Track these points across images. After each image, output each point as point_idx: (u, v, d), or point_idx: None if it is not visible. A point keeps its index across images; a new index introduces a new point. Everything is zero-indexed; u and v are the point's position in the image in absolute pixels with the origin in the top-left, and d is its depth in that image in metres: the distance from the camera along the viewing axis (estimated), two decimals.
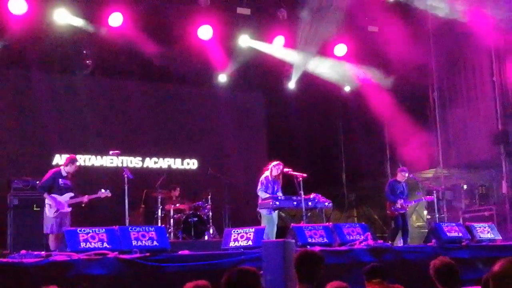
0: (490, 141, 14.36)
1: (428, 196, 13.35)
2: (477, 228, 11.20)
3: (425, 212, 14.99)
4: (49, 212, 10.68)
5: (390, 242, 12.26)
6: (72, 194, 10.88)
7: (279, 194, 11.88)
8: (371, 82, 15.76)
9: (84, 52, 14.12)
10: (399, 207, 12.74)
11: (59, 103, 14.28)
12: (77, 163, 11.21)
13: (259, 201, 11.84)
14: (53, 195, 10.72)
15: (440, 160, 15.19)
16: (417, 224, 15.39)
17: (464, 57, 15.14)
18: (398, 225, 12.86)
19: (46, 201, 10.74)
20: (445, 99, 15.62)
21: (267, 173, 12.04)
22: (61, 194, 10.78)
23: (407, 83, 15.46)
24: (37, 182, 11.45)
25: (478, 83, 14.95)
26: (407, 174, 13.09)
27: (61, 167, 11.08)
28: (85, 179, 12.54)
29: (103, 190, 10.97)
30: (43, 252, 8.33)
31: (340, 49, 15.53)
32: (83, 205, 10.89)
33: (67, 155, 11.48)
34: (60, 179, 10.87)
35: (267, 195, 11.72)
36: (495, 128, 14.42)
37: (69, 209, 10.82)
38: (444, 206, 14.12)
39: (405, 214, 13.01)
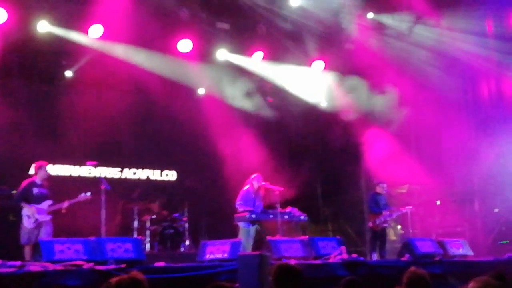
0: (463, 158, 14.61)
1: (407, 207, 13.41)
2: (450, 244, 11.38)
3: (399, 227, 15.15)
4: (27, 222, 10.62)
5: (374, 253, 12.42)
6: (50, 202, 10.84)
7: (260, 207, 11.99)
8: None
9: (64, 62, 14.13)
10: (383, 220, 12.89)
11: (38, 112, 14.24)
12: (46, 168, 11.11)
13: (237, 213, 11.93)
14: (31, 204, 10.69)
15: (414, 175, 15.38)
16: (391, 238, 15.54)
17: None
18: (378, 238, 13.01)
19: (24, 211, 10.67)
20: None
21: (247, 186, 12.13)
22: (39, 203, 10.74)
23: None
24: (13, 191, 11.40)
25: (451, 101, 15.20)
26: (385, 186, 13.26)
27: (34, 177, 11.04)
28: (63, 189, 12.48)
29: (83, 194, 10.94)
30: (17, 262, 8.30)
31: (318, 65, 15.72)
32: (63, 211, 10.84)
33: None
34: (34, 188, 10.83)
35: (246, 208, 11.81)
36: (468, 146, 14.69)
37: (49, 217, 10.76)
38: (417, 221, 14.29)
39: (385, 228, 13.18)
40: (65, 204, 10.81)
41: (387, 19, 15.11)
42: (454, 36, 14.66)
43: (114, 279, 4.48)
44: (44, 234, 10.54)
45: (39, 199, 10.80)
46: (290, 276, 5.48)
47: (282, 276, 5.48)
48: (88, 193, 10.91)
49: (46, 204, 10.79)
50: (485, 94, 15.35)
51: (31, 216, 10.61)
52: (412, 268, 5.77)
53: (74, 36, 13.33)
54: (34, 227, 10.59)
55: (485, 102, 15.28)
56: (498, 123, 14.74)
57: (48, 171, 11.18)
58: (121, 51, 13.66)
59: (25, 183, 10.94)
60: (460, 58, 14.72)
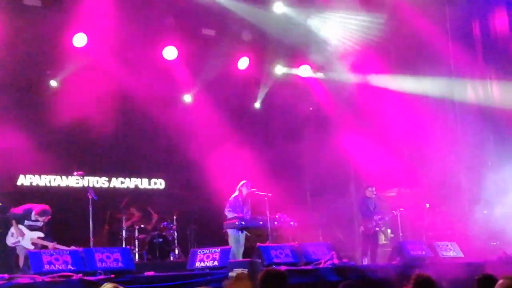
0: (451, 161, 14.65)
1: (398, 209, 13.41)
2: (440, 246, 11.38)
3: (389, 231, 15.14)
4: (8, 239, 10.56)
5: (365, 258, 12.41)
6: (42, 235, 10.73)
7: (249, 214, 11.96)
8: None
9: (48, 72, 14.05)
10: (375, 224, 12.88)
11: (24, 122, 14.11)
12: (48, 216, 10.95)
13: (226, 220, 11.89)
14: (20, 226, 10.59)
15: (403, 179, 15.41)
16: (381, 242, 15.52)
17: None
18: (369, 242, 13.00)
19: (11, 229, 10.59)
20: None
21: (236, 193, 12.10)
22: (30, 230, 10.68)
23: None
24: (0, 204, 11.29)
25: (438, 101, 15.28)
26: (374, 190, 13.26)
27: (33, 212, 10.88)
28: (50, 200, 12.38)
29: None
30: (5, 275, 8.21)
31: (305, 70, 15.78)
32: (50, 247, 10.60)
33: (38, 205, 11.08)
34: (27, 221, 10.78)
35: (235, 215, 11.77)
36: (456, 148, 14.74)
37: (31, 247, 10.54)
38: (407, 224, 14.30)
39: (377, 232, 13.17)
40: (51, 245, 10.62)
41: None
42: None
43: None
44: (20, 254, 10.47)
45: (30, 228, 10.76)
46: (275, 280, 5.45)
47: (267, 281, 5.45)
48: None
49: (35, 234, 10.70)
50: (473, 97, 15.40)
51: (14, 235, 10.53)
52: (418, 271, 5.81)
53: (59, 45, 13.28)
54: (13, 246, 10.52)
55: (474, 104, 15.33)
56: (486, 123, 14.80)
57: (45, 219, 10.93)
58: (107, 59, 13.60)
59: (22, 209, 10.89)
60: (447, 56, 14.81)
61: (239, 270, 8.38)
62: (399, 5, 14.71)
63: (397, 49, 16.00)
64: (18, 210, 10.78)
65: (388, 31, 14.97)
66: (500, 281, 5.03)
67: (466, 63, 15.00)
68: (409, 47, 15.54)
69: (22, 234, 10.56)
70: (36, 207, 10.95)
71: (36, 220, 10.80)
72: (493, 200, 13.77)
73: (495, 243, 13.33)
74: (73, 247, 9.74)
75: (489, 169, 14.32)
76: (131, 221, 13.67)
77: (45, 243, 10.68)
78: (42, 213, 10.85)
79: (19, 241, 10.54)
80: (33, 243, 10.64)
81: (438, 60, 15.08)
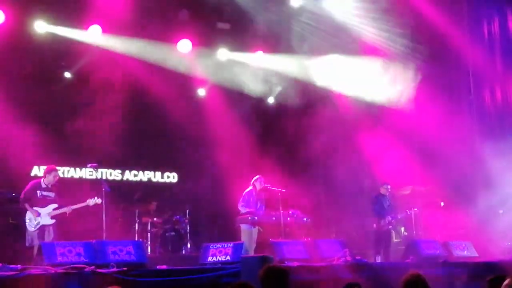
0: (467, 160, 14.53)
1: (412, 208, 13.32)
2: (454, 245, 11.28)
3: (403, 229, 15.05)
4: (28, 225, 10.54)
5: (378, 256, 12.35)
6: (55, 205, 10.73)
7: (262, 209, 11.92)
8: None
9: (63, 63, 14.07)
10: (388, 222, 12.81)
11: (38, 113, 14.14)
12: (56, 173, 11.04)
13: (239, 215, 11.86)
14: (35, 207, 10.58)
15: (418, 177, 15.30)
16: (395, 240, 15.43)
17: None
18: (382, 240, 12.93)
19: (27, 214, 10.59)
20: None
21: (250, 188, 12.06)
22: (43, 206, 10.64)
23: None
24: (13, 194, 11.31)
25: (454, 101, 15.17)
26: (389, 187, 13.19)
27: (41, 179, 10.95)
28: (64, 191, 12.40)
29: (92, 199, 10.82)
30: (18, 266, 8.22)
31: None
32: (67, 215, 10.75)
33: (45, 166, 11.36)
34: (39, 191, 10.73)
35: (248, 210, 11.73)
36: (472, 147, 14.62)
37: (52, 221, 10.65)
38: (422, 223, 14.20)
39: (390, 230, 13.09)
40: (68, 208, 10.71)
41: None
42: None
43: None
44: (47, 237, 10.45)
45: (43, 202, 10.70)
46: (276, 277, 5.41)
47: (269, 278, 5.41)
48: (99, 200, 10.79)
49: (50, 208, 10.69)
50: (489, 97, 15.28)
51: (32, 219, 10.52)
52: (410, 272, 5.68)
53: (73, 36, 13.30)
54: (36, 230, 10.49)
55: (489, 105, 15.21)
56: (503, 124, 14.68)
57: (56, 177, 11.03)
58: (122, 49, 13.61)
59: (30, 184, 10.85)
60: (465, 59, 14.68)
61: None
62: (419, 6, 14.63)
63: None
64: (25, 190, 10.76)
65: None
66: (507, 281, 4.91)
67: (484, 63, 14.87)
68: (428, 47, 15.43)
69: (39, 214, 10.56)
70: (43, 174, 11.03)
71: (47, 189, 10.78)
72: (509, 200, 13.66)
73: (510, 243, 13.22)
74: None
75: (505, 169, 14.18)
76: (151, 216, 13.69)
77: (62, 210, 10.71)
78: (50, 171, 10.89)
79: (39, 222, 10.53)
80: (52, 217, 10.65)
81: (456, 60, 14.97)
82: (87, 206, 10.87)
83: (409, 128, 15.41)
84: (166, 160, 15.77)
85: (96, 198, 10.80)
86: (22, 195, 10.74)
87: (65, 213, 10.73)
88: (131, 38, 13.80)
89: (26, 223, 10.58)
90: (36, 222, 10.51)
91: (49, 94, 14.35)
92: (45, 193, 10.76)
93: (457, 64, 14.97)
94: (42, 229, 10.54)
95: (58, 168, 13.62)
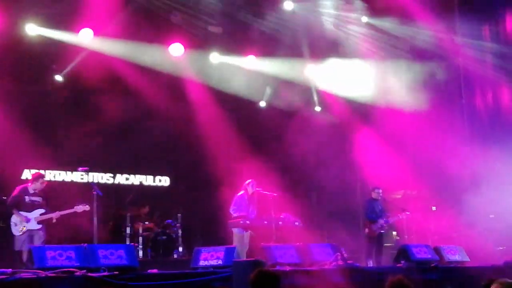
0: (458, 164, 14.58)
1: (404, 213, 13.31)
2: (446, 250, 11.29)
3: (394, 233, 15.07)
4: (14, 230, 10.50)
5: (370, 260, 12.34)
6: (42, 211, 10.68)
7: (254, 213, 11.90)
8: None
9: (54, 66, 14.02)
10: (380, 226, 12.81)
11: (29, 116, 14.07)
12: (43, 180, 11.04)
13: (231, 219, 11.83)
14: (21, 212, 10.53)
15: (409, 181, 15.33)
16: (386, 244, 15.44)
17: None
18: (374, 244, 12.92)
19: (12, 218, 10.54)
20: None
21: (241, 192, 12.04)
22: (30, 210, 10.59)
23: None
24: (4, 198, 11.25)
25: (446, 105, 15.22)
26: (381, 191, 13.18)
27: (28, 184, 10.91)
28: (55, 195, 12.34)
29: (80, 206, 10.79)
30: (9, 269, 8.16)
31: None
32: (53, 221, 10.71)
33: (35, 171, 11.32)
34: (26, 196, 10.70)
35: (240, 214, 11.71)
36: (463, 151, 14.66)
37: (39, 226, 10.60)
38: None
39: (382, 234, 13.09)
40: (55, 214, 10.67)
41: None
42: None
43: None
44: (37, 242, 10.40)
45: (30, 207, 10.67)
46: (267, 282, 5.35)
47: (260, 282, 5.35)
48: (87, 206, 10.75)
49: (37, 213, 10.64)
50: (480, 101, 15.34)
51: (18, 223, 10.48)
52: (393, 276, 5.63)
53: (64, 38, 13.27)
54: (22, 235, 10.44)
55: (481, 108, 15.27)
56: (494, 128, 14.73)
57: (44, 183, 11.02)
58: (113, 52, 13.59)
59: (17, 189, 10.82)
60: (456, 62, 14.74)
61: None
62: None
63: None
64: (14, 192, 10.72)
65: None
66: (493, 286, 4.92)
67: (475, 67, 14.93)
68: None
69: (28, 220, 10.51)
70: (30, 180, 11.00)
71: (35, 194, 10.75)
72: (501, 204, 13.70)
73: (502, 248, 13.25)
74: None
75: (497, 173, 14.24)
76: (143, 220, 13.66)
77: (49, 216, 10.67)
78: (37, 178, 10.89)
79: (25, 227, 10.47)
80: (38, 222, 10.60)
81: (448, 64, 15.03)
82: (75, 212, 10.84)
83: (400, 132, 15.44)
84: (158, 164, 15.71)
85: (84, 205, 10.76)
86: (10, 200, 10.69)
87: (51, 219, 10.67)
88: (122, 41, 13.75)
89: (11, 228, 10.53)
90: (22, 226, 10.46)
91: (40, 97, 14.29)
92: (33, 198, 10.74)
93: (448, 68, 14.99)
94: (30, 233, 10.49)
95: (49, 171, 13.73)
